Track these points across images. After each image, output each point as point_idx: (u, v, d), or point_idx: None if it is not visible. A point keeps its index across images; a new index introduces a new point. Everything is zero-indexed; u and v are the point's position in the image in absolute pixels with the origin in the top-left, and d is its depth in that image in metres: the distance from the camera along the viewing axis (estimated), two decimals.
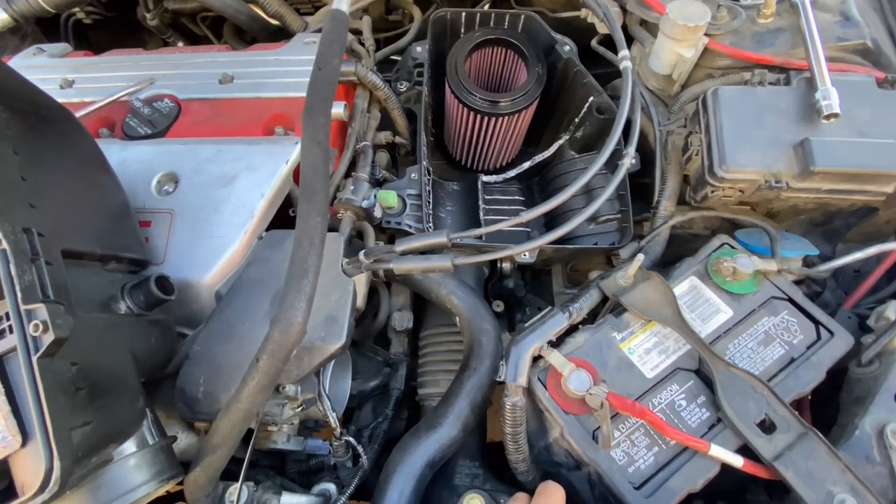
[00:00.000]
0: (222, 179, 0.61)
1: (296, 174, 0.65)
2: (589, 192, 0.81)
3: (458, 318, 0.74)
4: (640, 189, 0.77)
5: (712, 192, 0.65)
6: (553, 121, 0.93)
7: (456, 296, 0.74)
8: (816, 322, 0.59)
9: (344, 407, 0.74)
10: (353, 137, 0.74)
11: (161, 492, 0.52)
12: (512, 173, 0.91)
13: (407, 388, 0.82)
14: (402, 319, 0.80)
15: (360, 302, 0.67)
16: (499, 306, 0.88)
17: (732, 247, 0.64)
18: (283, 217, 0.68)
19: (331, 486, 0.65)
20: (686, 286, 0.63)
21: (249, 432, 0.68)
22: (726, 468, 0.52)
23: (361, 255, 0.60)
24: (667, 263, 0.68)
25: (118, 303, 0.50)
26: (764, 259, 0.62)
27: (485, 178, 0.90)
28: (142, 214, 0.60)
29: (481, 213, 0.84)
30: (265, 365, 0.47)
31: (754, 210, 0.71)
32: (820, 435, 0.51)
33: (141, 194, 0.62)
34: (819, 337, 0.58)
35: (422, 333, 0.83)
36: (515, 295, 0.87)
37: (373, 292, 0.84)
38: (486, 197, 0.89)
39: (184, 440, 0.61)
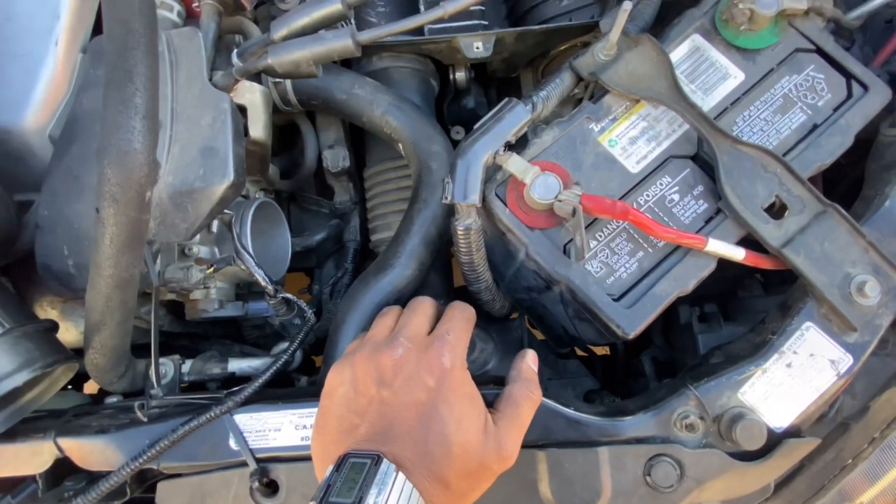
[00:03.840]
0: None
1: None
2: None
3: (400, 145, 0.60)
4: None
5: None
6: None
7: (393, 116, 0.58)
8: (848, 76, 0.46)
9: (286, 265, 0.64)
10: None
11: (56, 386, 0.44)
12: None
13: (365, 238, 0.72)
14: (336, 158, 0.66)
15: (261, 132, 0.52)
16: (458, 133, 0.73)
17: None
18: None
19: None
20: (685, 49, 0.47)
21: (178, 305, 0.60)
22: (719, 267, 0.44)
23: (234, 56, 0.42)
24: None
25: None
26: None
27: None
28: None
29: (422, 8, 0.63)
30: (110, 215, 0.34)
31: None
32: (842, 211, 0.41)
33: None
34: (850, 94, 0.45)
35: (365, 173, 0.69)
36: (478, 116, 0.71)
37: (294, 130, 0.67)
38: None
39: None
